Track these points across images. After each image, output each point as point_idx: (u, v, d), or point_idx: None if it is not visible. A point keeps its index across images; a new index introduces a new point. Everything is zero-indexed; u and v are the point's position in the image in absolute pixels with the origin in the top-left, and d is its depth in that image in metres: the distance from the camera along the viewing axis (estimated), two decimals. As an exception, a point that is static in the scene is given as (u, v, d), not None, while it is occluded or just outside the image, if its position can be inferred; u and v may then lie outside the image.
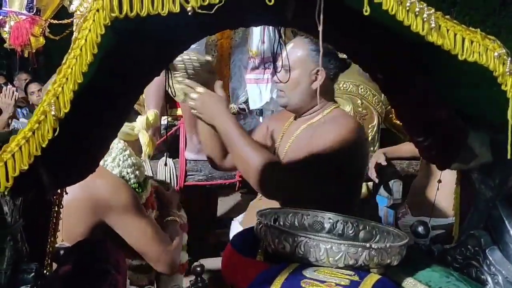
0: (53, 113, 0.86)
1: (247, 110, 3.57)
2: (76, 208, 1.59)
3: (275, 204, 1.78)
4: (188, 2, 0.82)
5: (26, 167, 0.86)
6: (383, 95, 2.86)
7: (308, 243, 1.10)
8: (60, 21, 2.64)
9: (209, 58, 1.70)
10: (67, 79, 0.86)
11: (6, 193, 0.91)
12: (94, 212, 1.65)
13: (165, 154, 2.42)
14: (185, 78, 1.76)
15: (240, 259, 1.26)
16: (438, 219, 2.30)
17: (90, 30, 0.83)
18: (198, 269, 1.57)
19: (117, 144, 1.76)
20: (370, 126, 3.17)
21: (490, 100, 0.99)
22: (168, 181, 2.61)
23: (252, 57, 3.40)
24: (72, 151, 1.03)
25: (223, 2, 0.82)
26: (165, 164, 2.53)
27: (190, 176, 2.68)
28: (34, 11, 2.63)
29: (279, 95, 1.92)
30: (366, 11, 0.83)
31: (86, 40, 0.84)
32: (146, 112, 1.92)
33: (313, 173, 1.62)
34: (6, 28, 2.64)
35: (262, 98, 3.37)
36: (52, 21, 2.67)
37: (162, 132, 2.60)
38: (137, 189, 1.78)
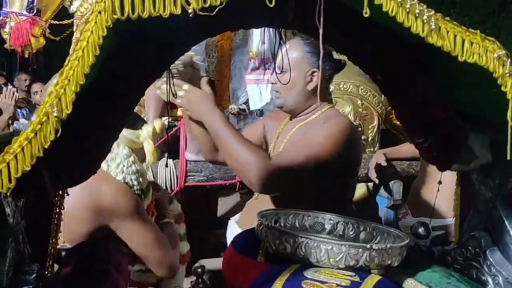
0: (55, 114, 0.86)
1: (247, 111, 3.58)
2: (80, 212, 1.60)
3: (270, 204, 1.79)
4: (189, 4, 0.83)
5: (28, 168, 0.87)
6: (383, 95, 2.86)
7: (309, 244, 1.10)
8: (61, 22, 2.64)
9: (191, 52, 1.67)
10: (69, 80, 0.86)
11: (8, 194, 0.91)
12: (98, 217, 1.65)
13: (166, 155, 2.42)
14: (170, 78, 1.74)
15: (241, 260, 1.26)
16: (438, 220, 2.30)
17: (92, 32, 0.84)
18: (199, 270, 1.57)
19: (122, 151, 1.77)
20: (370, 126, 3.17)
21: (490, 100, 0.99)
22: (169, 182, 2.61)
23: (252, 57, 3.40)
24: (74, 152, 1.03)
25: (224, 4, 0.82)
26: (166, 166, 2.53)
27: (191, 177, 2.68)
28: (35, 12, 2.63)
29: (275, 96, 1.95)
30: (366, 13, 0.83)
31: (88, 42, 0.84)
32: (149, 117, 1.93)
33: (305, 171, 1.63)
34: (7, 29, 2.64)
35: (262, 99, 3.38)
36: (52, 21, 2.67)
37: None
38: (139, 196, 1.79)
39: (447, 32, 0.88)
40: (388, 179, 2.95)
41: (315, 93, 1.85)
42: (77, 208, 1.57)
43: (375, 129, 3.17)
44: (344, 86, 3.14)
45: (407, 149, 2.78)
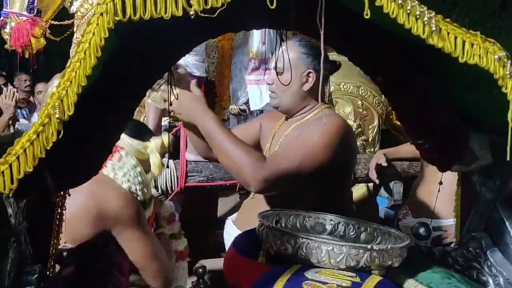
0: (57, 115, 0.86)
1: (247, 111, 3.58)
2: (84, 214, 1.61)
3: (265, 204, 1.79)
4: (190, 6, 0.83)
5: (30, 169, 0.87)
6: (383, 96, 2.86)
7: (310, 245, 1.11)
8: (61, 22, 2.64)
9: None
10: (71, 82, 0.86)
11: (10, 195, 0.91)
12: (101, 221, 1.66)
13: (166, 155, 2.42)
14: (160, 84, 1.75)
15: (242, 260, 1.27)
16: (438, 220, 2.30)
17: (94, 34, 0.84)
18: (200, 270, 1.57)
19: (130, 160, 1.77)
20: (370, 127, 3.18)
21: (491, 101, 0.99)
22: (169, 182, 2.61)
23: (252, 58, 3.41)
24: (76, 153, 1.03)
25: (225, 6, 0.83)
26: (167, 166, 2.53)
27: (191, 177, 2.68)
28: (35, 12, 2.62)
29: (270, 96, 1.97)
30: (366, 15, 0.83)
31: (90, 43, 0.84)
32: (149, 118, 1.93)
33: (301, 170, 1.63)
34: (7, 29, 2.64)
35: (263, 99, 3.39)
36: (52, 22, 2.67)
37: (162, 132, 2.60)
38: (142, 206, 1.79)
39: (448, 33, 0.88)
40: (388, 180, 2.95)
41: (310, 94, 1.86)
42: (81, 210, 1.58)
43: (376, 129, 3.17)
44: (345, 87, 3.14)
45: (408, 149, 2.78)
